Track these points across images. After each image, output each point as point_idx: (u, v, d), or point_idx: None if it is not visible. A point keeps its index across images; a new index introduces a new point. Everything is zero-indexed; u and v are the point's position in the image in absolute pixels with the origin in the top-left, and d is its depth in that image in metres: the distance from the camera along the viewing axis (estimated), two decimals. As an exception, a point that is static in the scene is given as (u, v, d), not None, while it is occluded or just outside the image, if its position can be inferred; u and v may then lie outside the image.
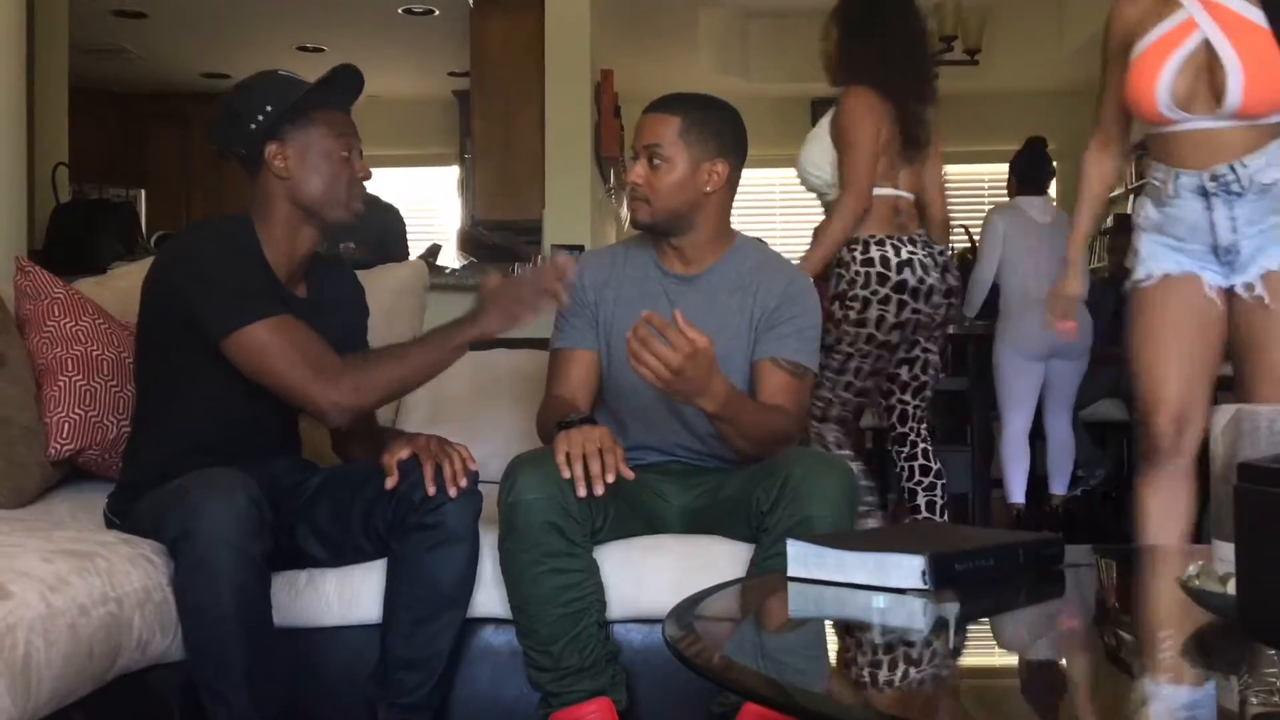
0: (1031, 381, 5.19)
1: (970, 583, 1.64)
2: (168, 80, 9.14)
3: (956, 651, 1.54)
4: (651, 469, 2.45)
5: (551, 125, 6.24)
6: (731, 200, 2.52)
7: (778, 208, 9.03)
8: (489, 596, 2.32)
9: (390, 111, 8.17)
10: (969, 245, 6.44)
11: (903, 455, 3.71)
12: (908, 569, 1.59)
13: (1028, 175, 5.26)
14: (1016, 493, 5.27)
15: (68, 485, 2.60)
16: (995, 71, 7.65)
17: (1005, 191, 5.57)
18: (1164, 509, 2.66)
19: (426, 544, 2.22)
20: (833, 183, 3.57)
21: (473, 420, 2.93)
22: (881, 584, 1.61)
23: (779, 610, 1.72)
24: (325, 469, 2.44)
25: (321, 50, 8.35)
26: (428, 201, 9.50)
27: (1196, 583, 1.46)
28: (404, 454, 2.24)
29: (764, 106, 8.64)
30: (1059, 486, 5.48)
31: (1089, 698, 1.32)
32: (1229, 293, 2.65)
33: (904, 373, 3.64)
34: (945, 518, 3.76)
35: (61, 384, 2.53)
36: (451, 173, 9.48)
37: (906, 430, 3.69)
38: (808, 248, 3.55)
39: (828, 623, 1.70)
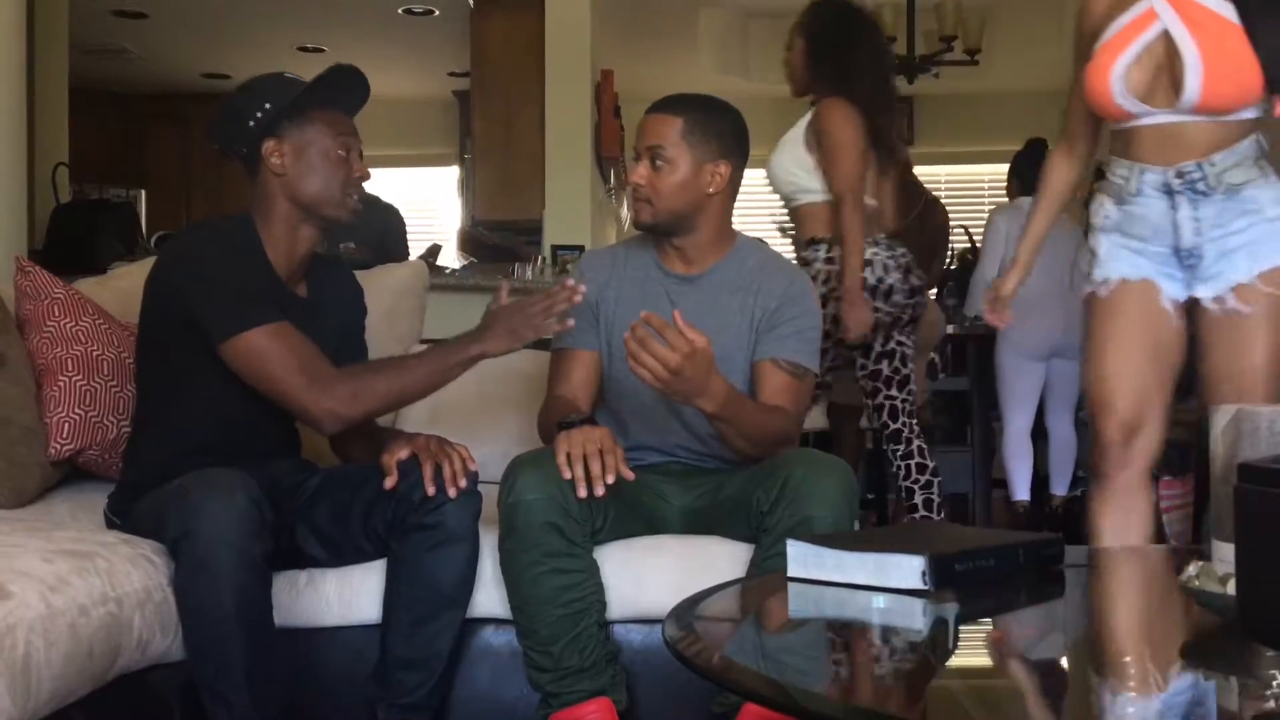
0: (1033, 381, 5.20)
1: (970, 583, 1.64)
2: (168, 80, 9.14)
3: (956, 652, 1.54)
4: (652, 469, 2.45)
5: (552, 125, 6.25)
6: (733, 201, 2.52)
7: (777, 207, 9.01)
8: (489, 596, 2.32)
9: (390, 112, 8.17)
10: (969, 245, 6.44)
11: (899, 454, 3.74)
12: (908, 569, 1.59)
13: (1028, 176, 5.25)
14: (1021, 490, 5.25)
15: (68, 485, 2.60)
16: (995, 71, 7.65)
17: (1005, 192, 5.57)
18: (1116, 531, 2.57)
19: (426, 544, 2.22)
20: (805, 187, 3.67)
21: (473, 421, 2.93)
22: (881, 584, 1.61)
23: (779, 610, 1.72)
24: (325, 469, 2.44)
25: (322, 50, 8.35)
26: (428, 202, 9.50)
27: (1196, 583, 1.46)
28: (403, 454, 2.24)
29: (764, 106, 8.61)
30: (1060, 487, 5.48)
31: (1089, 698, 1.32)
32: (1188, 304, 2.54)
33: (885, 367, 3.71)
34: (942, 515, 3.78)
35: (62, 384, 2.53)
36: (452, 173, 9.48)
37: (900, 426, 3.73)
38: (832, 263, 3.61)
39: (827, 623, 1.70)
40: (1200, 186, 2.46)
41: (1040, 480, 5.47)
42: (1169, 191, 2.48)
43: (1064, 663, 1.54)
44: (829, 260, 3.60)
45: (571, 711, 2.22)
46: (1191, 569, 1.48)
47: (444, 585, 2.24)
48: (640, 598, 2.32)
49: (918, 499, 3.74)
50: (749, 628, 1.69)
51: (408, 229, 5.97)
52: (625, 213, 7.46)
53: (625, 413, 2.50)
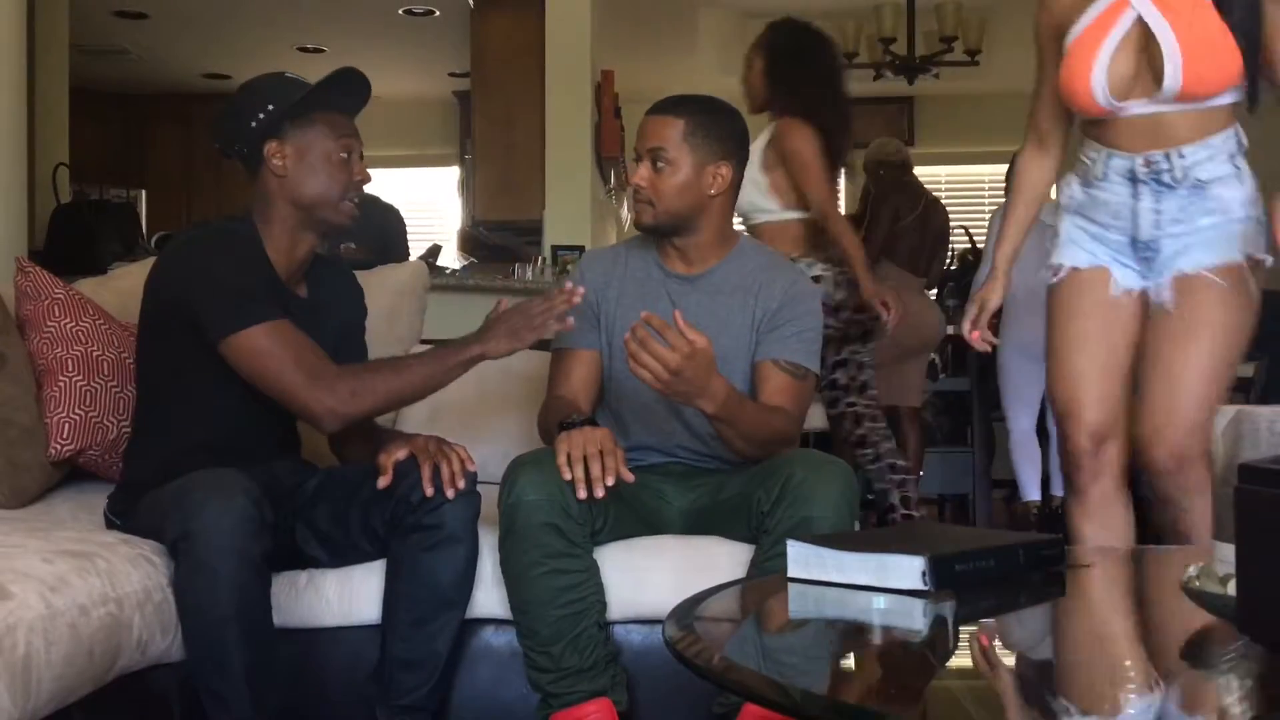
0: (1035, 381, 5.18)
1: (970, 584, 1.64)
2: (168, 81, 9.15)
3: (956, 652, 1.54)
4: (652, 469, 2.45)
5: (552, 126, 6.25)
6: (735, 202, 2.53)
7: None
8: (489, 597, 2.32)
9: (391, 112, 8.17)
10: (969, 246, 6.44)
11: (868, 458, 3.78)
12: (908, 570, 1.59)
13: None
14: (1031, 490, 5.18)
15: (68, 486, 2.60)
16: (995, 71, 7.65)
17: (1005, 192, 5.57)
18: (1098, 537, 2.50)
19: (425, 544, 2.22)
20: (761, 207, 3.72)
21: (473, 421, 2.93)
22: (882, 585, 1.61)
23: (779, 611, 1.72)
24: (324, 470, 2.44)
25: (322, 51, 8.36)
26: (428, 202, 9.50)
27: (1197, 583, 1.46)
28: (401, 454, 2.24)
29: (764, 107, 8.64)
30: (1061, 487, 5.47)
31: (1089, 699, 1.32)
32: (1143, 294, 2.46)
33: (841, 376, 3.78)
34: (922, 513, 3.84)
35: (62, 384, 2.53)
36: (452, 173, 9.49)
37: (865, 432, 3.79)
38: (837, 275, 3.67)
39: (828, 623, 1.70)
40: (1165, 178, 2.37)
41: (1042, 480, 5.47)
42: (1133, 179, 2.40)
43: (1063, 664, 1.54)
44: None
45: (572, 712, 2.22)
46: (1192, 569, 1.48)
47: (443, 586, 2.24)
48: (640, 598, 2.32)
49: (894, 498, 3.78)
50: (749, 628, 1.69)
51: (408, 229, 5.97)
52: (625, 213, 7.46)
53: (625, 413, 2.50)
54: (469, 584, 2.28)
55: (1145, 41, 2.33)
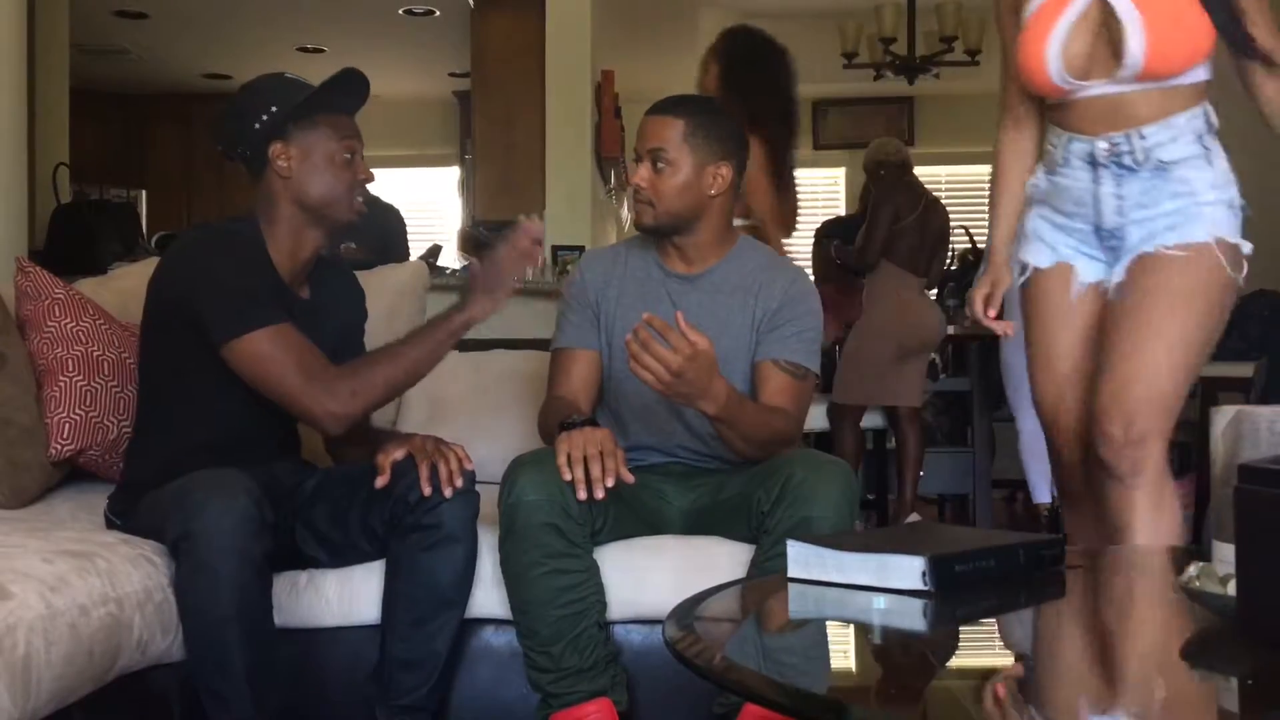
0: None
1: (971, 584, 1.64)
2: (169, 81, 9.16)
3: (956, 652, 1.54)
4: (652, 469, 2.45)
5: (552, 126, 6.25)
6: (734, 201, 2.53)
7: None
8: (489, 597, 2.32)
9: (391, 112, 8.18)
10: (969, 246, 6.44)
11: None
12: (908, 570, 1.59)
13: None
14: (1041, 492, 5.10)
15: (68, 486, 2.60)
16: (995, 71, 7.63)
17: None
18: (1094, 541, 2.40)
19: (424, 544, 2.22)
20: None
21: (473, 421, 2.93)
22: (882, 585, 1.61)
23: (779, 611, 1.72)
24: (323, 470, 2.44)
25: (322, 51, 8.36)
26: (428, 202, 9.51)
27: (1197, 583, 1.46)
28: (398, 455, 2.24)
29: (765, 107, 8.63)
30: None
31: (1090, 699, 1.32)
32: (1107, 289, 2.33)
33: None
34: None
35: (62, 384, 2.53)
36: (452, 173, 9.49)
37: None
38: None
39: (828, 623, 1.70)
40: (1127, 161, 2.23)
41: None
42: (1094, 164, 2.27)
43: (1063, 664, 1.54)
44: None
45: (572, 712, 2.22)
46: (1192, 569, 1.48)
47: (442, 585, 2.24)
48: (640, 598, 2.32)
49: None
50: (749, 628, 1.69)
51: (408, 229, 5.97)
52: (625, 213, 7.46)
53: (625, 413, 2.50)
54: (468, 584, 2.28)
55: (1105, 17, 2.20)
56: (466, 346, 2.40)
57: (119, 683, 2.01)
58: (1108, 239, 2.32)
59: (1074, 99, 2.28)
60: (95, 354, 2.59)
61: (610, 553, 2.33)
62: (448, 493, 2.20)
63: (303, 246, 2.36)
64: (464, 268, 6.48)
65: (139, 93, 9.32)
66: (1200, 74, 2.24)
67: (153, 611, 2.05)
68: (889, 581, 1.60)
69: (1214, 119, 2.27)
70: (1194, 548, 2.46)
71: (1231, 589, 1.37)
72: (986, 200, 2.63)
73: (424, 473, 2.20)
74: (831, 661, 1.56)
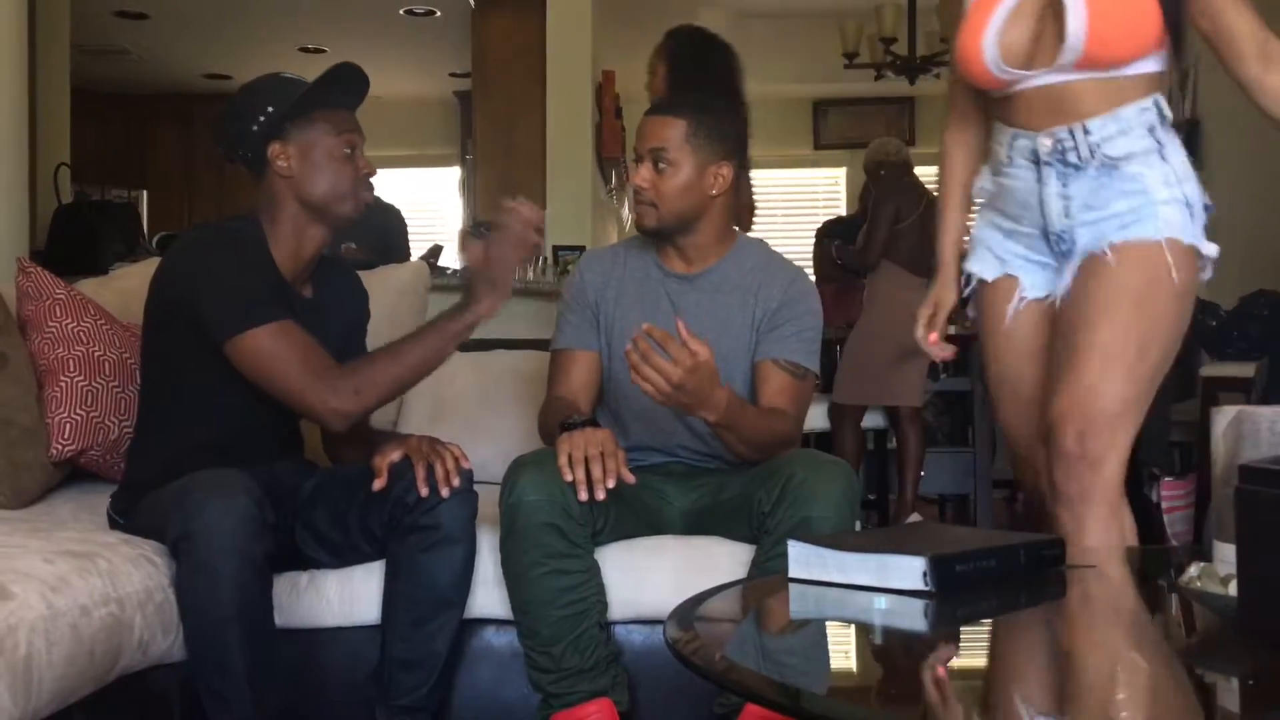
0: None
1: (971, 584, 1.64)
2: (169, 81, 9.16)
3: (957, 653, 1.54)
4: (653, 470, 2.45)
5: (552, 126, 6.26)
6: (733, 201, 2.53)
7: (778, 208, 9.03)
8: (489, 597, 2.32)
9: (392, 112, 8.18)
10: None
11: None
12: (908, 570, 1.59)
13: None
14: None
15: (69, 486, 2.60)
16: (996, 72, 7.66)
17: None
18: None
19: (422, 545, 2.22)
20: None
21: (473, 421, 2.93)
22: (882, 585, 1.61)
23: (780, 611, 1.72)
24: (321, 471, 2.44)
25: (323, 51, 8.36)
26: (429, 202, 9.51)
27: (1197, 583, 1.46)
28: (395, 456, 2.24)
29: (765, 107, 8.63)
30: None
31: (1090, 699, 1.32)
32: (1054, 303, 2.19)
33: None
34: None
35: (63, 385, 2.54)
36: (453, 173, 9.50)
37: None
38: None
39: (829, 623, 1.70)
40: (1071, 157, 2.08)
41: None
42: (1038, 161, 2.11)
43: (1064, 664, 1.54)
44: None
45: (573, 712, 2.22)
46: (1193, 569, 1.48)
47: (441, 586, 2.24)
48: (641, 599, 2.32)
49: None
50: (750, 628, 1.69)
51: (409, 229, 5.97)
52: (626, 213, 7.46)
53: (626, 413, 2.50)
54: (467, 584, 2.28)
55: (1049, 4, 2.06)
56: (466, 346, 2.40)
57: (120, 683, 2.01)
58: (1057, 243, 2.16)
59: (1016, 91, 2.12)
60: (96, 354, 2.59)
61: (611, 553, 2.33)
62: (445, 493, 2.20)
63: (306, 245, 2.36)
64: (465, 268, 6.48)
65: (139, 93, 9.33)
66: (1150, 65, 2.09)
67: (154, 612, 2.05)
68: (890, 582, 1.60)
69: (1167, 111, 2.12)
70: (1195, 547, 2.46)
71: (1232, 589, 1.38)
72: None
73: (420, 473, 2.20)
74: (831, 661, 1.56)
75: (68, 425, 2.51)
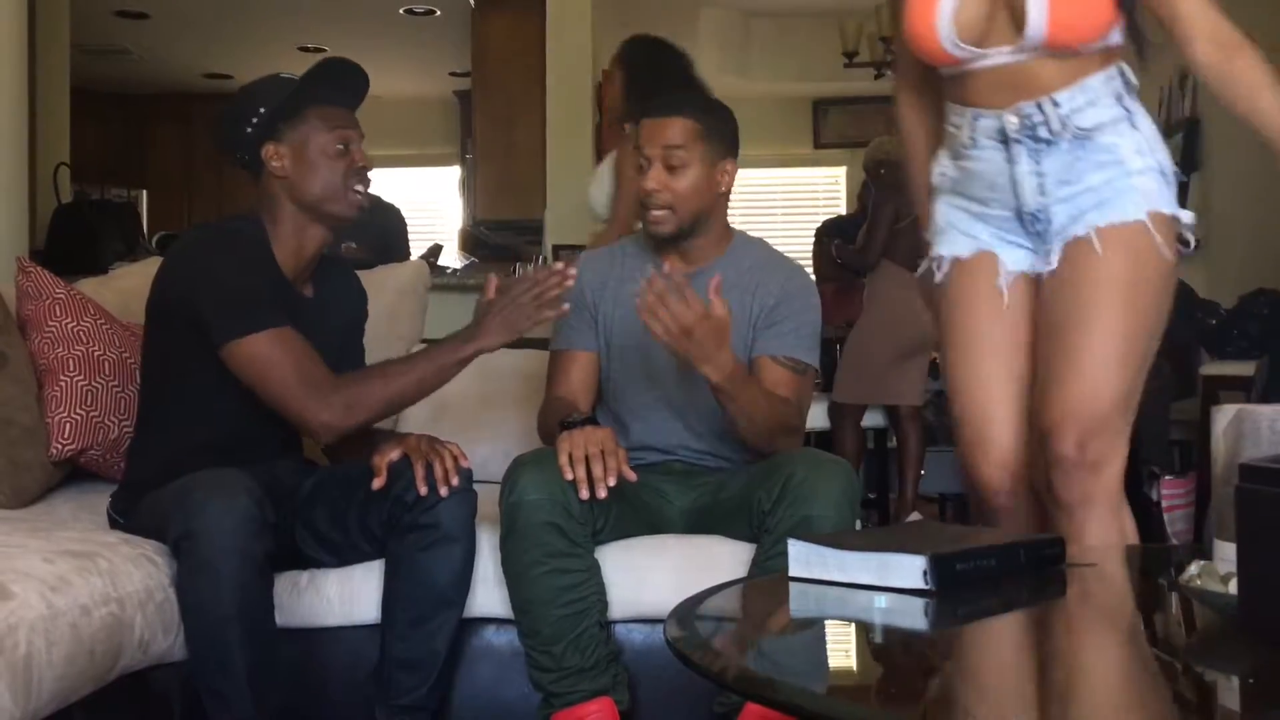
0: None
1: (972, 583, 1.64)
2: (169, 81, 9.16)
3: (957, 652, 1.54)
4: (653, 469, 2.45)
5: (552, 125, 6.26)
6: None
7: (778, 207, 9.03)
8: (489, 596, 2.33)
9: (391, 111, 8.18)
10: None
11: None
12: (909, 569, 1.59)
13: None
14: None
15: (70, 485, 2.60)
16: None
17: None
18: None
19: (421, 544, 2.22)
20: (610, 218, 3.84)
21: (473, 421, 2.93)
22: (883, 584, 1.61)
23: (780, 610, 1.72)
24: (320, 470, 2.44)
25: (323, 50, 8.36)
26: (429, 201, 9.51)
27: (1198, 582, 1.46)
28: (394, 455, 2.23)
29: (765, 106, 8.64)
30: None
31: (1090, 698, 1.32)
32: (1038, 279, 2.11)
33: None
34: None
35: (63, 384, 2.54)
36: (453, 173, 9.50)
37: None
38: None
39: (829, 623, 1.70)
40: (1041, 132, 2.02)
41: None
42: (1005, 140, 2.05)
43: (1064, 663, 1.54)
44: None
45: (573, 711, 2.22)
46: (1193, 568, 1.48)
47: (440, 585, 2.24)
48: (641, 598, 2.32)
49: None
50: (750, 627, 1.69)
51: (409, 229, 5.98)
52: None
53: (625, 413, 2.50)
54: (466, 583, 2.28)
55: None
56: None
57: (120, 682, 2.01)
58: (1032, 223, 2.09)
59: (973, 69, 2.04)
60: (96, 354, 2.59)
61: (611, 552, 2.33)
62: (443, 491, 2.20)
63: (307, 245, 2.35)
64: (465, 266, 6.48)
65: (139, 93, 9.33)
66: (1113, 38, 2.02)
67: (154, 611, 2.05)
68: (890, 580, 1.60)
69: (1132, 78, 2.06)
70: (1195, 546, 2.46)
71: (1232, 588, 1.38)
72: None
73: (419, 472, 2.20)
74: (831, 660, 1.56)
75: (68, 425, 2.51)
